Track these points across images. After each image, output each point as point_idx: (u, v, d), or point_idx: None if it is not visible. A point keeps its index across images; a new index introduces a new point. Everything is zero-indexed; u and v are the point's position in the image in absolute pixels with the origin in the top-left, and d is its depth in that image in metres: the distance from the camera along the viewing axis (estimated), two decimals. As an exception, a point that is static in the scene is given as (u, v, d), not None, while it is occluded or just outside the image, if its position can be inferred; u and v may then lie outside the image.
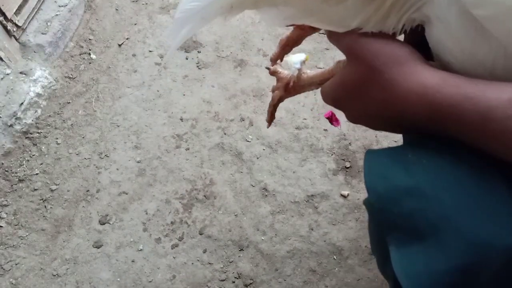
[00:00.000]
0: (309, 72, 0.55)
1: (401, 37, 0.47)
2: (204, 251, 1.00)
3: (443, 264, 0.37)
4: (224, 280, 0.96)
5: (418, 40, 0.45)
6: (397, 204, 0.40)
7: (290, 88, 0.57)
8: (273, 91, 0.60)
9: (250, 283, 0.96)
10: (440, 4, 0.39)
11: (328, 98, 0.50)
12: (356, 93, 0.45)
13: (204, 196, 1.07)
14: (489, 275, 0.36)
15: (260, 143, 1.15)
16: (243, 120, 1.18)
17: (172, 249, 1.00)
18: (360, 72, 0.43)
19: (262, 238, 1.01)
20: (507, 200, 0.36)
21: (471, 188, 0.37)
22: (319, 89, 0.54)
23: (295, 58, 0.55)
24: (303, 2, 0.46)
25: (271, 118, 0.63)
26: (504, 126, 0.34)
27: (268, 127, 0.66)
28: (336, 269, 0.97)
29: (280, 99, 0.59)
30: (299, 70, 0.55)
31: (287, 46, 0.66)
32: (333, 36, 0.48)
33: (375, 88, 0.42)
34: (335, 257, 0.98)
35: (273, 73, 0.58)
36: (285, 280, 0.96)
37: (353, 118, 0.49)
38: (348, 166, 1.10)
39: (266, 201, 1.06)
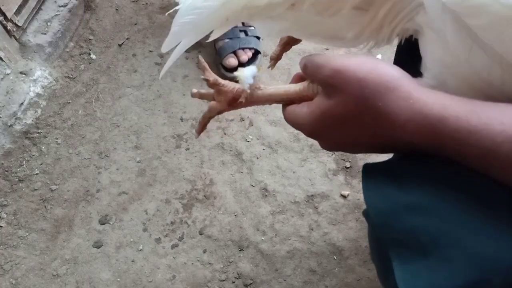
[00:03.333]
0: (266, 88, 0.50)
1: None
2: (204, 251, 1.00)
3: (447, 281, 0.36)
4: (224, 280, 0.96)
5: (410, 49, 0.45)
6: (398, 220, 0.39)
7: (237, 103, 0.50)
8: (202, 97, 0.53)
9: (250, 283, 0.96)
10: (434, 14, 0.39)
11: (300, 128, 0.46)
12: (343, 125, 0.42)
13: (204, 196, 1.07)
14: None
15: (260, 143, 1.15)
16: (243, 120, 1.18)
17: (172, 249, 1.00)
18: (346, 103, 0.40)
19: (262, 238, 1.01)
20: (509, 214, 0.35)
21: (472, 203, 0.37)
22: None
23: (246, 71, 0.49)
24: (298, 15, 0.46)
25: (202, 129, 0.55)
26: (510, 161, 0.34)
27: (196, 138, 0.58)
28: (336, 269, 0.97)
29: (219, 113, 0.53)
30: (252, 85, 0.49)
31: (288, 44, 0.66)
32: (308, 69, 0.44)
33: (367, 118, 0.40)
34: (335, 257, 0.98)
35: (213, 85, 0.49)
36: (285, 280, 0.96)
37: (330, 147, 0.46)
38: (348, 166, 1.10)
39: (266, 201, 1.06)
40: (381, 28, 0.43)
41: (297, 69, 1.27)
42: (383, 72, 0.40)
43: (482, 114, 0.35)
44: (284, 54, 0.70)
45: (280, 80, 1.26)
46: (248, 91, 0.49)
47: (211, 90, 0.51)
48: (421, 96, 0.38)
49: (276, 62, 0.68)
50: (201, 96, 0.52)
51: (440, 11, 0.38)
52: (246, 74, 0.48)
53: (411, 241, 0.38)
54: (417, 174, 0.41)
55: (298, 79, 0.50)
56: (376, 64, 0.40)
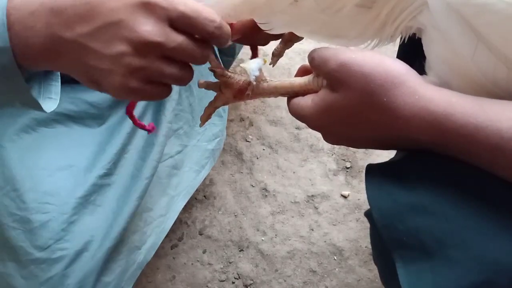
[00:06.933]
0: (272, 80, 0.49)
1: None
2: (204, 252, 0.99)
3: (452, 282, 0.35)
4: (224, 280, 0.96)
5: (412, 48, 0.45)
6: (402, 221, 0.39)
7: (244, 95, 0.49)
8: (208, 88, 0.51)
9: (250, 284, 0.95)
10: (438, 13, 0.39)
11: (303, 120, 0.46)
12: (347, 119, 0.42)
13: (204, 196, 1.07)
14: None
15: (260, 143, 1.14)
16: (243, 120, 1.18)
17: (171, 249, 1.00)
18: (351, 97, 0.40)
19: (262, 238, 1.01)
20: None
21: (477, 203, 0.36)
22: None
23: (252, 64, 0.48)
24: (300, 11, 0.45)
25: (206, 118, 0.55)
26: None
27: (201, 126, 0.59)
28: (337, 269, 0.96)
29: (225, 104, 0.52)
30: (258, 77, 0.48)
31: (289, 41, 0.66)
32: (315, 61, 0.44)
33: (371, 112, 0.40)
34: (335, 257, 0.98)
35: (219, 76, 0.49)
36: (285, 281, 0.96)
37: (333, 140, 0.46)
38: (348, 166, 1.10)
39: (266, 201, 1.05)
40: (384, 26, 0.43)
41: (297, 69, 1.27)
42: (390, 67, 0.39)
43: (489, 110, 0.35)
44: (284, 54, 0.70)
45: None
46: (254, 83, 0.48)
47: (218, 81, 0.51)
48: (427, 92, 0.38)
49: (278, 59, 0.68)
50: (207, 87, 0.51)
51: (445, 10, 0.38)
52: (252, 66, 0.48)
53: (415, 242, 0.38)
54: (421, 174, 0.40)
55: (303, 72, 0.50)
56: (382, 59, 0.40)
